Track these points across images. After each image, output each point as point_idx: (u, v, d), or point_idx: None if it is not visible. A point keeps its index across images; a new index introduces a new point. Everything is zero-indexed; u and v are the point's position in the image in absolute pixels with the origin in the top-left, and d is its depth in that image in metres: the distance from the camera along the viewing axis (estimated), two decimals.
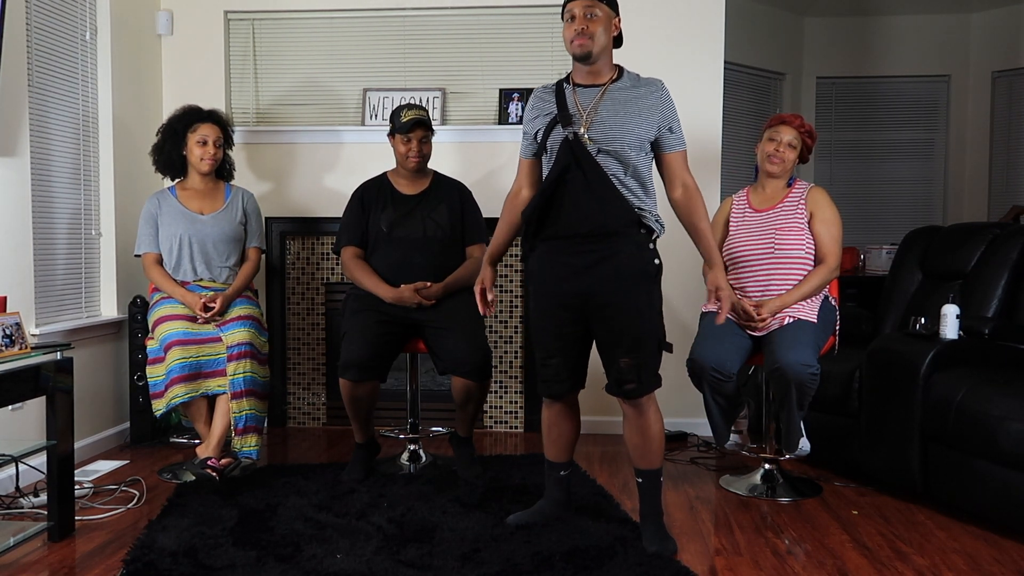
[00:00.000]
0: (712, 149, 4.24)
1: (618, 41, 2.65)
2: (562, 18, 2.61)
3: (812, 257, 3.27)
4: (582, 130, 2.54)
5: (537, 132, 2.64)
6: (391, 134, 3.50)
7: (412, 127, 3.42)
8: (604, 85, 2.59)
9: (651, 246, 2.60)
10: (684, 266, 3.89)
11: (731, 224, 3.40)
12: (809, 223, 3.28)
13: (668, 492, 3.27)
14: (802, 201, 3.31)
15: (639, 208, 2.56)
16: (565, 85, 2.64)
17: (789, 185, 3.37)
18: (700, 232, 2.62)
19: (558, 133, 2.57)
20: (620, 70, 2.64)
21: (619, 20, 2.63)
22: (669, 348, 2.63)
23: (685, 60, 4.19)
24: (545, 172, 2.65)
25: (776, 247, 3.25)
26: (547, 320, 2.66)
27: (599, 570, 2.44)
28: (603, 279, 2.54)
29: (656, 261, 2.61)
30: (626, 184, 2.55)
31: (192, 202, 3.59)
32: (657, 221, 2.61)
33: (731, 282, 3.35)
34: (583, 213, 2.54)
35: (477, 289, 2.74)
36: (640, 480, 2.70)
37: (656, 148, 2.61)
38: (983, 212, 5.90)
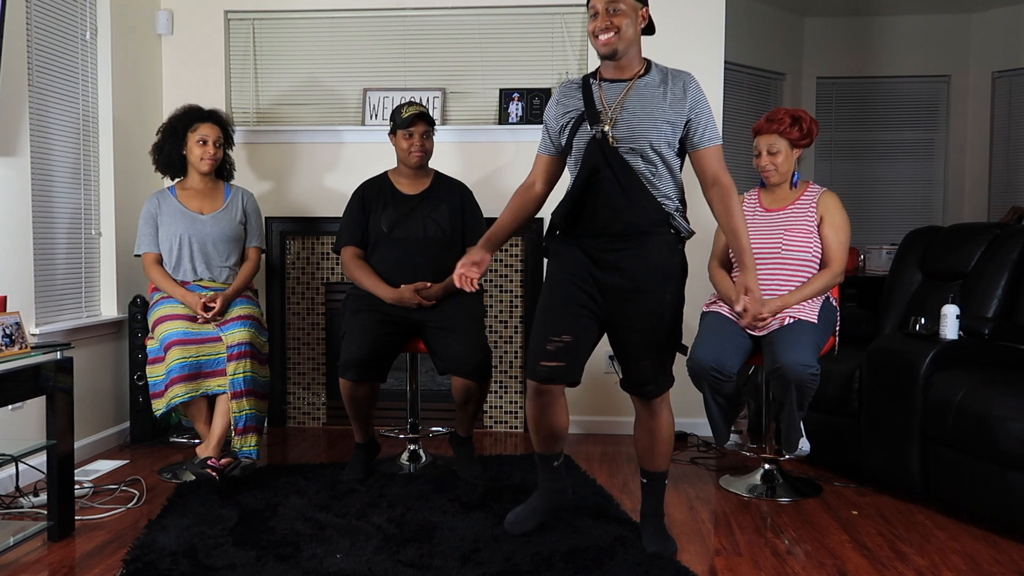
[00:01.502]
0: None
1: (649, 29, 2.54)
2: (587, 12, 2.50)
3: (818, 260, 3.27)
4: (607, 128, 2.45)
5: (563, 128, 2.54)
6: (392, 132, 3.50)
7: (413, 121, 3.43)
8: (631, 80, 2.50)
9: (680, 247, 2.55)
10: None
11: None
12: (818, 227, 3.27)
13: (668, 492, 3.26)
14: (813, 204, 3.30)
15: (668, 208, 2.50)
16: (592, 80, 2.55)
17: (795, 185, 3.36)
18: (736, 233, 2.50)
19: (585, 131, 2.49)
20: (648, 64, 2.54)
21: (647, 9, 2.50)
22: (684, 350, 2.61)
23: (685, 60, 4.16)
24: (569, 171, 2.59)
25: (783, 248, 3.25)
26: (565, 296, 2.52)
27: (599, 570, 2.44)
28: (631, 276, 2.48)
29: (684, 263, 2.57)
30: (655, 184, 2.48)
31: (192, 202, 3.59)
32: (686, 220, 2.56)
33: (734, 279, 3.34)
34: (614, 213, 2.47)
35: (461, 263, 2.56)
36: (645, 481, 2.69)
37: (687, 145, 2.51)
38: (983, 212, 5.90)
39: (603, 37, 2.43)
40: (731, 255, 3.39)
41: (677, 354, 2.61)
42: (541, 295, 2.63)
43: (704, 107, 2.49)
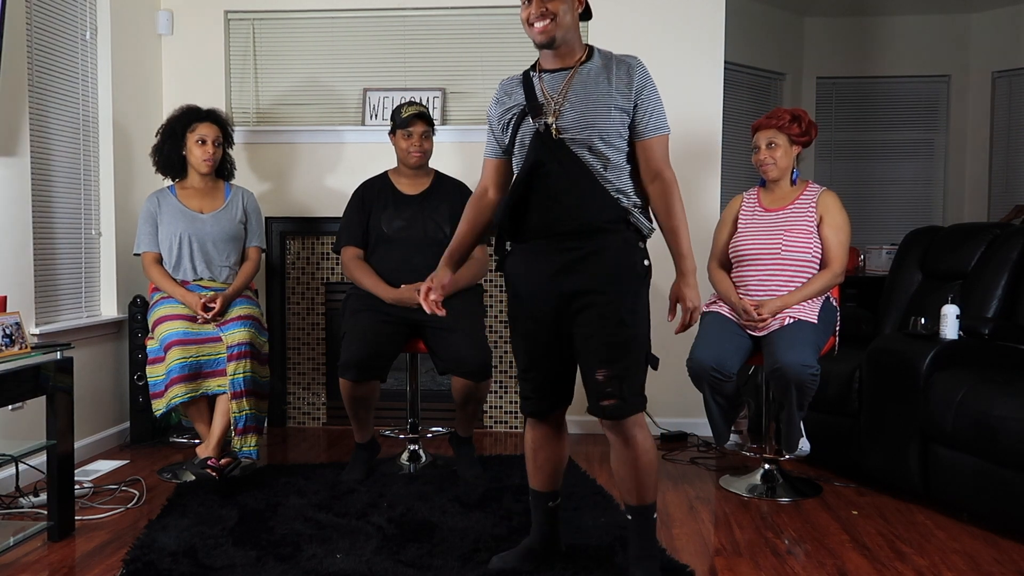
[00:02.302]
0: (712, 149, 4.24)
1: (586, 14, 2.36)
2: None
3: (818, 261, 3.27)
4: (551, 120, 2.26)
5: (506, 126, 2.36)
6: (392, 132, 3.50)
7: (412, 121, 3.43)
8: (573, 68, 2.30)
9: (641, 245, 2.31)
10: None
11: (740, 222, 3.40)
12: (818, 226, 3.28)
13: (668, 492, 3.28)
14: (813, 204, 3.30)
15: (625, 204, 2.27)
16: (532, 73, 2.37)
17: (794, 183, 3.36)
18: (676, 233, 2.28)
19: (528, 125, 2.29)
20: (590, 49, 2.34)
21: None
22: (655, 363, 2.31)
23: (685, 60, 4.19)
24: (517, 169, 2.38)
25: (783, 248, 3.25)
26: (525, 326, 2.36)
27: (599, 570, 2.44)
28: (586, 277, 2.25)
29: (646, 262, 2.31)
30: (607, 177, 2.25)
31: (192, 201, 3.59)
32: (646, 217, 2.33)
33: (734, 280, 3.35)
34: (563, 211, 2.25)
35: (423, 287, 2.38)
36: (629, 517, 2.34)
37: (631, 133, 2.30)
38: (983, 212, 5.90)
39: (539, 25, 2.25)
40: (729, 254, 3.39)
41: (662, 355, 2.37)
42: (509, 325, 2.47)
43: (650, 93, 2.29)
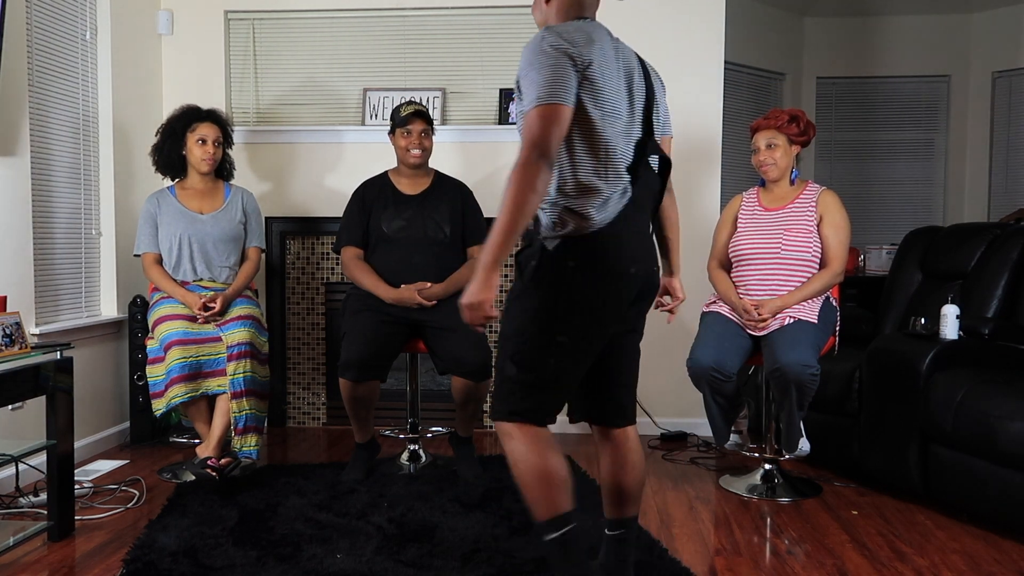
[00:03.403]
0: (712, 149, 4.24)
1: None
2: None
3: (818, 260, 3.27)
4: None
5: None
6: (391, 131, 3.50)
7: (411, 119, 3.43)
8: None
9: (541, 243, 2.00)
10: (683, 265, 3.88)
11: (740, 222, 3.40)
12: (818, 226, 3.28)
13: (668, 492, 3.28)
14: (813, 203, 3.30)
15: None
16: None
17: (793, 183, 3.37)
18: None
19: None
20: None
21: None
22: (518, 366, 1.96)
23: (685, 60, 4.19)
24: None
25: (783, 247, 3.25)
26: None
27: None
28: None
29: (533, 263, 1.98)
30: None
31: (192, 201, 3.59)
32: (554, 213, 1.96)
33: (734, 279, 3.35)
34: None
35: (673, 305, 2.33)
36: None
37: None
38: (983, 212, 5.90)
39: None
40: (729, 254, 3.39)
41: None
42: None
43: (524, 67, 1.90)
